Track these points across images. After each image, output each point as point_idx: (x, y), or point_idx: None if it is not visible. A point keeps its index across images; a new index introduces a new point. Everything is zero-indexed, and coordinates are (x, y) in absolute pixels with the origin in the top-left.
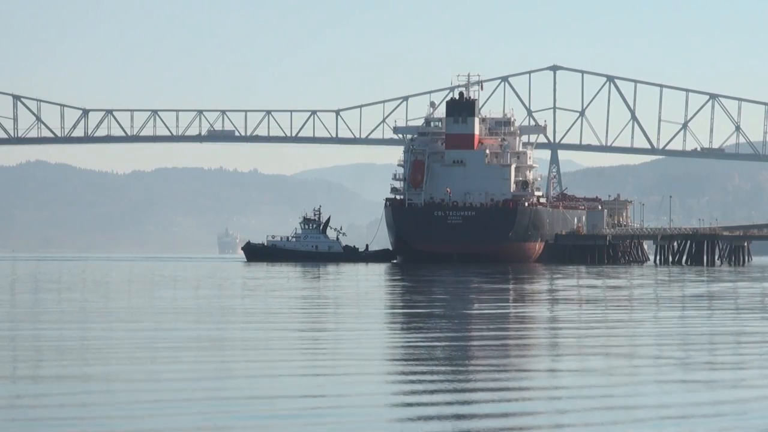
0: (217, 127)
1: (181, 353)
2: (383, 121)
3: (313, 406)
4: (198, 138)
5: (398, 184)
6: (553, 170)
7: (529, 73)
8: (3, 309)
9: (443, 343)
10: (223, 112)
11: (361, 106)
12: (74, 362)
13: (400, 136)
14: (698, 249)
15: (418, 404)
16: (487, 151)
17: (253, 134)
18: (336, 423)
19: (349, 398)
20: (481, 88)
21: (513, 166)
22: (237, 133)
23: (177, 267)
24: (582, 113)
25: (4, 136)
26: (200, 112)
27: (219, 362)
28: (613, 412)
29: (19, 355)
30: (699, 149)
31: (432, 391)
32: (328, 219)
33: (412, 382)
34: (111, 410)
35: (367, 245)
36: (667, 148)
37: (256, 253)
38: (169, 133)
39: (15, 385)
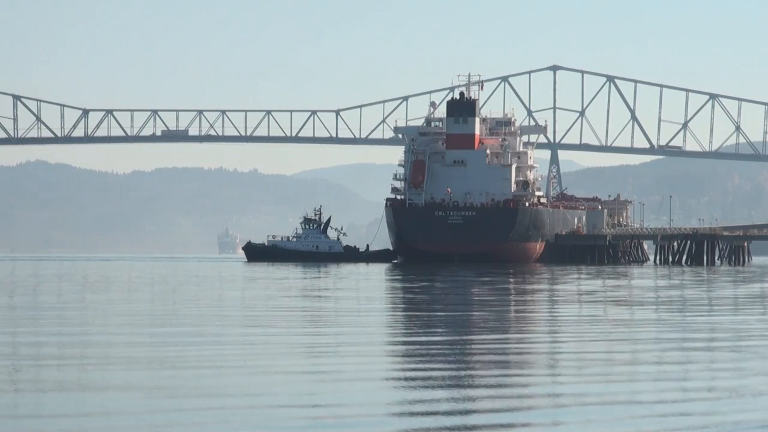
0: (217, 126)
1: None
2: (383, 121)
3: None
4: (152, 138)
5: (399, 184)
6: (553, 170)
7: (529, 73)
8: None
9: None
10: (223, 112)
11: (361, 106)
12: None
13: (401, 136)
14: (698, 249)
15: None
16: (488, 151)
17: (253, 134)
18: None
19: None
20: (482, 88)
21: (513, 166)
22: (192, 133)
23: (201, 267)
24: (582, 113)
25: (4, 136)
26: (200, 112)
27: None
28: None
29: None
30: (657, 147)
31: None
32: (329, 219)
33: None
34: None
35: (367, 245)
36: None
37: (256, 253)
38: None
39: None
